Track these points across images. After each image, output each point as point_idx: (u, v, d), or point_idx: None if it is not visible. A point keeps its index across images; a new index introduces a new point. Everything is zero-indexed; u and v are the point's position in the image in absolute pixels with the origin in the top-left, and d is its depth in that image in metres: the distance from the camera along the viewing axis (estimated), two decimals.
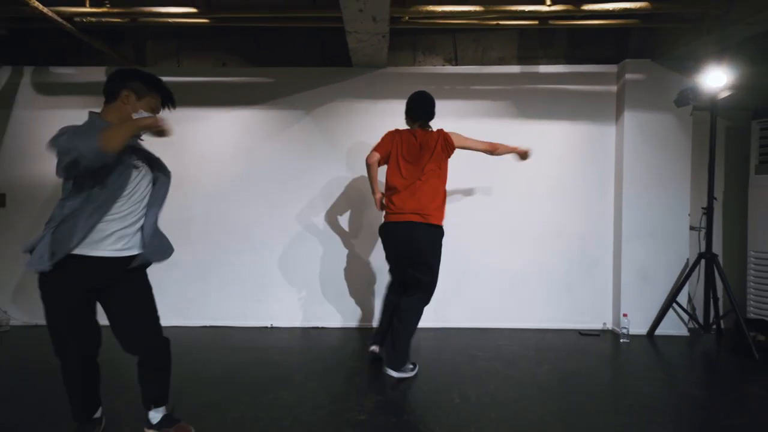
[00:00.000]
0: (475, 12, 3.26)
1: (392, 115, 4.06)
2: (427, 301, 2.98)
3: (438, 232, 2.94)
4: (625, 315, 3.79)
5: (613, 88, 4.04)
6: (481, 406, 2.50)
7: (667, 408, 2.54)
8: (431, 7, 3.25)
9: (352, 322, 4.13)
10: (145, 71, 2.08)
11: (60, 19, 3.22)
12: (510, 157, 4.04)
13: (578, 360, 3.31)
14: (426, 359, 3.26)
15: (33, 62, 4.13)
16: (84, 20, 3.39)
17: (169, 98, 2.12)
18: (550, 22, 3.39)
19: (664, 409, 2.51)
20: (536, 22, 3.40)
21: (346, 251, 4.14)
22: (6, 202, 4.10)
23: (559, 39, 4.13)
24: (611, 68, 4.04)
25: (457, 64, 4.17)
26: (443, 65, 4.17)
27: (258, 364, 3.13)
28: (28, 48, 4.14)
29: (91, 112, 2.03)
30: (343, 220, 4.14)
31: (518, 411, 2.45)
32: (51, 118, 4.10)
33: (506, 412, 2.43)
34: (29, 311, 4.09)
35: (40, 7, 3.02)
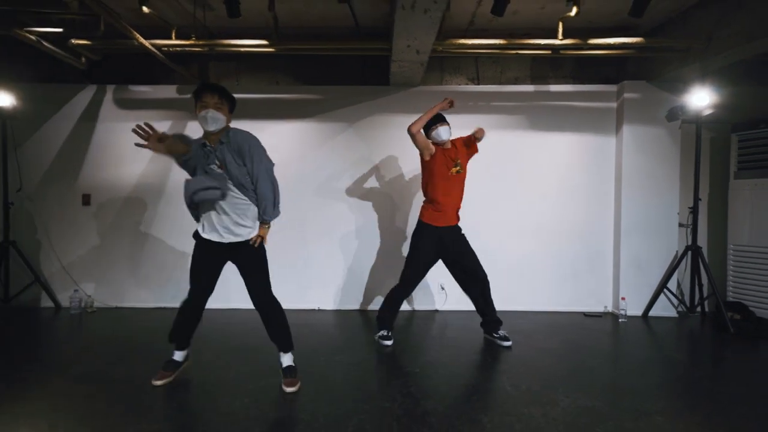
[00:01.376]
0: (499, 44, 3.93)
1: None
2: None
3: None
4: (623, 299, 4.46)
5: (614, 104, 4.70)
6: (511, 364, 3.18)
7: (660, 368, 3.21)
8: (462, 40, 3.92)
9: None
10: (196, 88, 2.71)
11: (154, 50, 3.88)
12: (525, 163, 4.73)
13: (584, 335, 3.97)
14: (458, 334, 3.94)
15: (112, 81, 4.79)
16: (170, 50, 4.05)
17: (197, 93, 2.65)
18: (561, 51, 4.04)
19: (657, 369, 3.19)
20: (549, 52, 4.05)
21: (381, 246, 4.80)
22: (91, 201, 4.76)
23: (567, 62, 4.79)
24: (612, 88, 4.70)
25: (478, 83, 4.83)
26: (467, 84, 4.83)
27: (314, 335, 3.81)
28: (110, 69, 4.80)
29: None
30: (379, 219, 4.81)
31: (543, 369, 3.12)
32: (129, 130, 4.73)
33: (532, 370, 3.10)
34: (110, 295, 4.76)
35: (145, 42, 3.68)
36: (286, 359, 2.81)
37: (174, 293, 4.75)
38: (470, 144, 3.63)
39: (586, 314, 4.63)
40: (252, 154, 2.65)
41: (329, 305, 4.79)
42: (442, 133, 3.51)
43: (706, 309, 4.59)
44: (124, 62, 4.78)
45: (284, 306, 2.88)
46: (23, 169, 4.70)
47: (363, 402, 2.57)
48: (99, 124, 4.76)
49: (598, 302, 4.77)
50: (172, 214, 4.76)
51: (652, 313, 4.54)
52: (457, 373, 3.04)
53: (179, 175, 4.74)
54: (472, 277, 3.62)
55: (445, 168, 3.53)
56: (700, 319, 4.52)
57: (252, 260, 2.74)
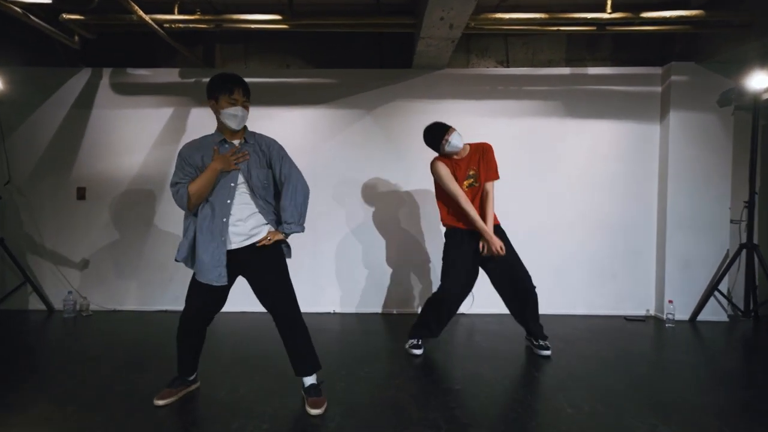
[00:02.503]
0: (538, 19, 3.52)
1: (447, 115, 4.33)
2: None
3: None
4: (670, 301, 4.06)
5: (658, 88, 4.29)
6: (562, 378, 2.78)
7: (727, 382, 2.82)
8: (498, 15, 3.51)
9: (411, 308, 4.40)
10: (216, 76, 2.34)
11: (156, 26, 3.48)
12: (560, 153, 4.33)
13: (632, 342, 3.57)
14: (493, 341, 3.54)
15: (109, 64, 4.39)
16: (173, 26, 3.65)
17: (226, 86, 2.27)
18: (607, 28, 3.63)
19: (725, 383, 2.79)
20: (594, 28, 3.64)
21: (402, 243, 4.41)
22: (86, 195, 4.37)
23: (604, 42, 4.38)
24: (656, 70, 4.28)
25: (508, 66, 4.42)
26: (495, 67, 4.43)
27: (332, 343, 3.41)
28: (106, 50, 4.40)
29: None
30: (400, 215, 4.41)
31: (599, 384, 2.72)
32: (127, 117, 4.37)
33: (588, 385, 2.70)
34: (107, 297, 4.38)
35: (145, 16, 3.28)
36: (310, 377, 2.41)
37: (177, 295, 4.35)
38: (486, 153, 3.16)
39: (627, 318, 4.24)
40: (282, 155, 2.39)
41: (346, 308, 4.39)
42: (455, 140, 3.05)
43: (759, 313, 4.19)
44: (121, 43, 4.38)
45: None
46: (12, 161, 4.31)
47: (401, 428, 2.17)
48: (94, 111, 4.36)
49: (640, 305, 4.36)
50: (175, 209, 4.35)
51: (700, 317, 4.14)
52: (504, 390, 2.64)
53: None
54: (513, 286, 3.14)
55: (459, 180, 3.11)
56: (753, 324, 4.11)
57: (271, 265, 2.35)
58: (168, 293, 4.37)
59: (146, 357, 3.14)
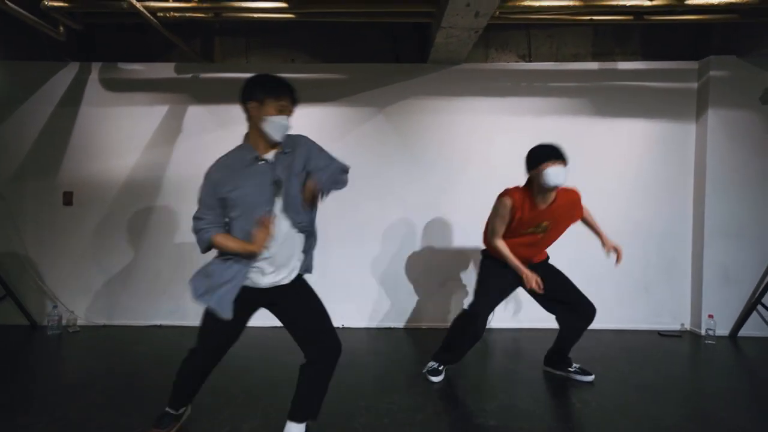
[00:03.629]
0: (572, 6, 3.19)
1: (466, 113, 4.03)
2: None
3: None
4: (710, 316, 3.73)
5: (693, 85, 3.96)
6: (609, 410, 2.45)
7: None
8: (528, 2, 3.18)
9: (427, 322, 4.07)
10: (262, 76, 1.96)
11: (148, 14, 3.15)
12: (587, 153, 4.00)
13: (673, 362, 3.25)
14: (519, 362, 3.21)
15: (99, 58, 4.05)
16: (167, 15, 3.31)
17: (281, 91, 1.92)
18: (645, 17, 3.30)
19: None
20: (631, 18, 3.31)
21: (416, 253, 4.07)
22: (73, 200, 4.02)
23: (634, 35, 4.06)
24: (691, 65, 3.96)
25: (530, 61, 4.10)
26: (517, 61, 4.10)
27: (346, 367, 3.07)
28: (94, 43, 4.07)
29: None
30: (415, 221, 4.07)
31: (653, 416, 2.39)
32: (119, 115, 4.03)
33: (641, 418, 2.37)
34: (96, 311, 4.03)
35: (136, 3, 2.94)
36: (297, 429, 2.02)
37: (171, 309, 4.01)
38: (576, 207, 2.75)
39: (661, 333, 3.90)
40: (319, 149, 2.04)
41: (356, 322, 4.05)
42: (552, 176, 2.47)
43: None
44: (112, 35, 4.05)
45: None
46: None
47: None
48: (83, 108, 4.01)
49: (674, 319, 4.03)
50: (169, 215, 4.02)
51: (741, 332, 3.81)
52: (549, 428, 2.30)
53: (177, 170, 4.01)
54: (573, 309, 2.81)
55: (521, 226, 2.64)
56: None
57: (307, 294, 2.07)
58: (161, 307, 4.02)
59: (137, 379, 2.80)
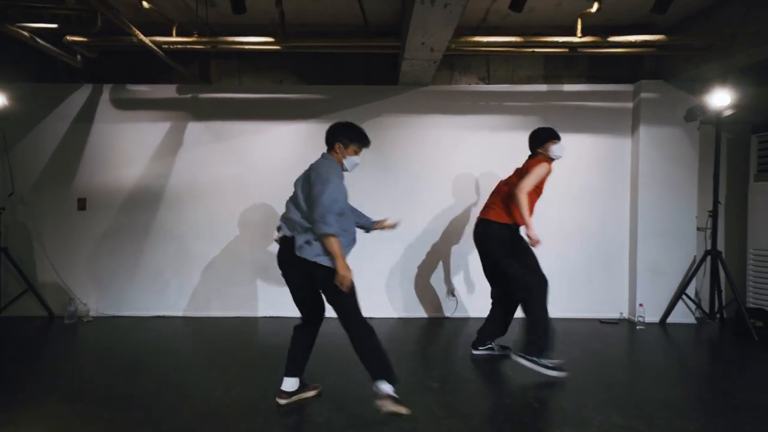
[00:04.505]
0: (515, 42, 3.77)
1: (432, 128, 4.59)
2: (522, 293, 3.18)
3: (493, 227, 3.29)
4: (641, 305, 4.32)
5: (629, 104, 4.56)
6: (536, 378, 3.01)
7: (689, 379, 3.07)
8: (477, 38, 3.76)
9: (404, 313, 4.62)
10: (349, 125, 2.63)
11: (155, 48, 3.69)
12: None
13: (604, 343, 3.82)
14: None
15: (109, 81, 4.59)
16: (171, 47, 3.86)
17: (364, 143, 2.64)
18: (579, 50, 3.89)
19: (687, 380, 3.05)
20: (566, 50, 3.90)
21: (392, 250, 4.62)
22: (86, 205, 4.56)
23: (580, 61, 4.64)
24: (628, 87, 4.56)
25: (489, 83, 4.67)
26: (477, 83, 4.68)
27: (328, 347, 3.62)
28: (106, 67, 4.60)
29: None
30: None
31: (568, 382, 2.95)
32: (127, 131, 4.57)
33: (558, 384, 2.94)
34: (107, 303, 4.56)
35: (145, 39, 3.49)
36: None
37: (173, 301, 4.56)
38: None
39: (601, 321, 4.49)
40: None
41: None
42: (557, 150, 3.28)
43: (725, 315, 4.46)
44: (121, 60, 4.59)
45: (290, 314, 2.69)
46: (15, 173, 4.49)
47: None
48: (95, 125, 4.56)
49: (614, 308, 4.62)
50: (171, 219, 4.57)
51: (669, 319, 4.40)
52: (478, 390, 2.87)
53: (178, 179, 4.57)
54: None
55: (540, 190, 3.30)
56: (719, 326, 4.38)
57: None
58: (164, 300, 4.56)
59: (143, 362, 3.33)
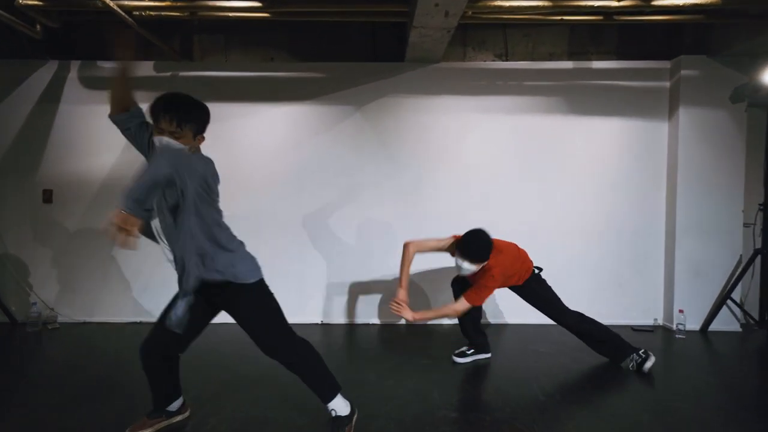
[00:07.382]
0: (542, 7, 3.24)
1: (441, 111, 4.08)
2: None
3: None
4: (681, 311, 3.81)
5: (666, 83, 4.03)
6: (565, 403, 2.51)
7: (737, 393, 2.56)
8: (498, 2, 3.23)
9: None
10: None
11: (123, 13, 3.17)
12: (561, 152, 4.06)
13: None
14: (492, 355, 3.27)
15: (78, 56, 4.07)
16: (143, 14, 3.34)
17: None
18: (615, 17, 3.36)
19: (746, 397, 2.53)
20: (600, 18, 3.37)
21: (394, 250, 4.11)
22: (53, 198, 4.05)
23: (609, 34, 4.12)
24: (664, 64, 4.03)
25: (507, 60, 4.15)
26: (494, 60, 4.15)
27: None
28: (74, 41, 4.08)
29: None
30: (391, 218, 4.12)
31: (604, 409, 2.45)
32: (98, 113, 4.02)
33: (594, 411, 2.43)
34: (76, 308, 4.06)
35: (110, 2, 2.97)
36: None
37: (151, 306, 4.05)
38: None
39: (634, 328, 3.97)
40: None
41: (333, 318, 4.10)
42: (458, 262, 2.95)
43: None
44: (91, 34, 4.07)
45: None
46: None
47: None
48: (62, 106, 4.04)
49: (647, 314, 4.11)
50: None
51: (711, 327, 3.89)
52: (510, 419, 2.36)
53: None
54: None
55: None
56: (767, 335, 3.87)
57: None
58: (141, 304, 4.06)
59: (117, 376, 2.84)
